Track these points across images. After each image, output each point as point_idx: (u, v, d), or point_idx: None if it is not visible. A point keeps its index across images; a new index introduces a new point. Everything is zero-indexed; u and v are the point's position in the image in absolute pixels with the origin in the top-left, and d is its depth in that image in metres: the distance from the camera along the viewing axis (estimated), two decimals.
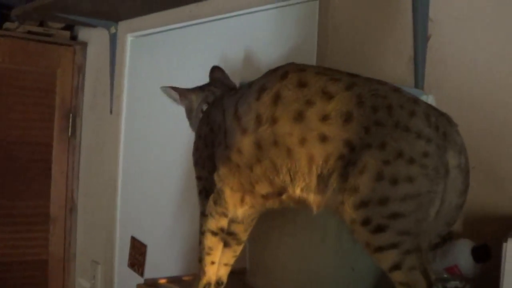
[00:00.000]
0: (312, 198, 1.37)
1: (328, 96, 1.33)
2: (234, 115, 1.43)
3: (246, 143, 1.39)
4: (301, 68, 1.40)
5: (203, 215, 1.50)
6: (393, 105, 1.31)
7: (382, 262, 1.28)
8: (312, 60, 2.16)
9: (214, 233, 1.49)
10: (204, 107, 1.70)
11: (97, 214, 3.57)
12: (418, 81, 1.83)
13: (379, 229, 1.26)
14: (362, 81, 1.37)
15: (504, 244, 1.29)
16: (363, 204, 1.27)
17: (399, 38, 1.93)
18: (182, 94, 1.77)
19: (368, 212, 1.26)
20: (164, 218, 2.96)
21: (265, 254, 1.60)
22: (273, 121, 1.36)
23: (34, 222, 3.65)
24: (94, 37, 3.68)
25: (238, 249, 1.58)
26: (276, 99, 1.36)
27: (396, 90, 1.36)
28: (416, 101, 1.34)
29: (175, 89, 1.77)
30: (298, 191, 1.38)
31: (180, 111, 2.90)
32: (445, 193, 1.31)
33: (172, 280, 1.73)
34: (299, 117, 1.33)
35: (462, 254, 1.52)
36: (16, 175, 3.57)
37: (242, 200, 1.47)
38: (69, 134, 3.74)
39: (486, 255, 1.53)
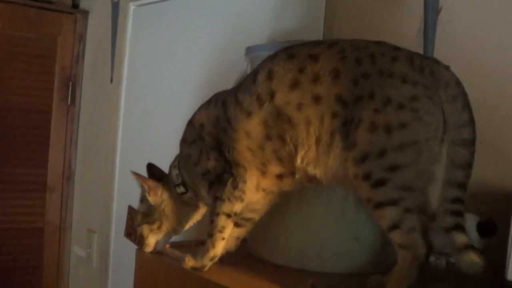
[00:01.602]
0: (318, 170, 1.39)
1: (314, 58, 1.37)
2: (235, 102, 1.47)
3: (253, 125, 1.42)
4: (288, 47, 1.45)
5: (219, 199, 1.50)
6: (375, 54, 1.33)
7: (382, 220, 1.29)
8: (319, 31, 2.14)
9: (228, 216, 1.50)
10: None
11: (95, 183, 3.55)
12: (428, 55, 1.81)
13: (379, 183, 1.27)
14: (343, 40, 1.41)
15: None
16: (363, 158, 1.28)
17: (409, 10, 1.91)
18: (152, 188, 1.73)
19: (368, 166, 1.28)
20: None
21: (268, 223, 1.59)
22: (271, 95, 1.39)
23: (31, 189, 3.64)
24: (96, 6, 3.65)
25: (251, 227, 1.61)
26: (270, 75, 1.41)
27: (378, 42, 1.38)
28: (397, 48, 1.36)
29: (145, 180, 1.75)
30: (299, 161, 1.39)
31: (180, 82, 2.89)
32: (450, 130, 1.30)
33: (173, 245, 1.72)
34: (294, 85, 1.37)
35: (467, 229, 1.51)
36: (14, 143, 3.55)
37: (257, 186, 1.50)
38: (69, 102, 3.72)
39: (491, 230, 1.52)
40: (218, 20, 2.70)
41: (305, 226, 1.58)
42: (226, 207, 1.49)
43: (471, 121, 1.33)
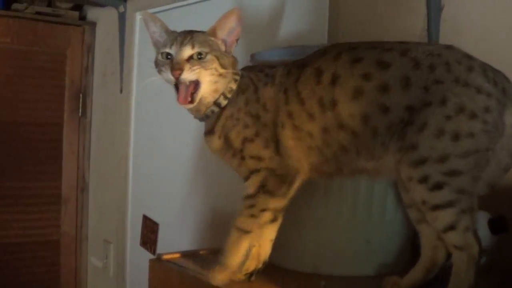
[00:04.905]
0: (371, 165, 1.39)
1: (384, 65, 1.34)
2: (297, 97, 1.42)
3: (315, 129, 1.40)
4: (352, 47, 1.42)
5: (270, 193, 1.44)
6: (450, 62, 1.32)
7: (437, 222, 1.30)
8: (324, 34, 2.14)
9: (275, 214, 1.46)
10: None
11: (109, 193, 3.57)
12: None
13: (437, 186, 1.27)
14: (414, 45, 1.38)
15: None
16: (421, 161, 1.28)
17: (412, 9, 1.91)
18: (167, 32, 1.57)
19: (426, 169, 1.28)
20: (175, 196, 2.96)
21: (280, 229, 1.58)
22: (334, 103, 1.37)
23: (45, 202, 3.66)
24: (103, 17, 3.67)
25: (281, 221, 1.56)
26: (334, 80, 1.37)
27: (449, 47, 1.37)
28: (470, 56, 1.35)
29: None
30: (362, 163, 1.39)
31: None
32: (497, 151, 1.32)
33: (186, 254, 1.72)
34: (358, 94, 1.35)
35: (478, 226, 1.50)
36: (27, 156, 3.57)
37: (302, 180, 1.47)
38: (80, 114, 3.73)
39: (502, 227, 1.51)
40: None
41: (315, 230, 1.58)
42: (278, 202, 1.45)
43: None
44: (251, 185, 1.46)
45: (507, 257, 1.35)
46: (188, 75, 1.44)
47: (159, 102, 3.11)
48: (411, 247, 1.62)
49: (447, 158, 1.27)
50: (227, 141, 1.49)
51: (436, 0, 1.82)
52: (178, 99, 1.46)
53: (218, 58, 1.46)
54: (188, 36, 1.48)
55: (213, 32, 1.50)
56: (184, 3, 2.94)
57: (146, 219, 3.17)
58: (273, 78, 1.48)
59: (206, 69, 1.44)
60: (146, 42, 3.22)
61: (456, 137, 1.27)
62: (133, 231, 3.31)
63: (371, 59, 1.36)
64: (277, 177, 1.44)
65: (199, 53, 1.45)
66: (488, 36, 1.72)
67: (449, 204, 1.27)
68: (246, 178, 1.47)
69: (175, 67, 1.45)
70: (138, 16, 3.28)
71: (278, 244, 1.60)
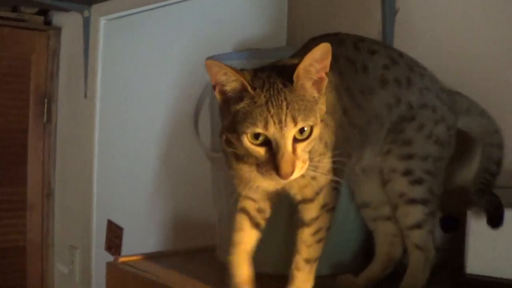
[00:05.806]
0: (371, 163, 1.43)
1: (394, 61, 1.42)
2: (348, 91, 1.31)
3: (363, 121, 1.34)
4: (361, 38, 1.44)
5: (334, 210, 1.29)
6: (432, 76, 1.47)
7: (408, 217, 1.36)
8: (283, 38, 2.16)
9: None
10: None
11: (74, 199, 3.55)
12: None
13: (418, 181, 1.36)
14: (400, 51, 1.48)
15: (469, 212, 1.32)
16: (410, 156, 1.37)
17: (367, 12, 1.93)
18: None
19: (412, 164, 1.36)
20: (140, 200, 2.95)
21: None
22: (371, 91, 1.38)
23: (11, 208, 3.63)
24: (68, 22, 3.65)
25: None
26: (365, 69, 1.39)
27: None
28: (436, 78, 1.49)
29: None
30: (369, 160, 1.42)
31: (154, 94, 2.90)
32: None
33: (145, 257, 1.71)
34: (384, 82, 1.39)
35: None
36: None
37: None
38: (45, 119, 3.71)
39: (454, 225, 1.54)
40: (187, 31, 2.71)
41: (274, 229, 1.57)
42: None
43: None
44: (314, 208, 1.27)
45: (457, 255, 1.38)
46: (298, 174, 1.11)
47: (123, 107, 3.13)
48: (365, 248, 1.64)
49: (428, 158, 1.36)
50: None
51: (391, 3, 1.85)
52: (278, 174, 1.08)
53: (320, 122, 1.13)
54: (282, 102, 1.07)
55: (301, 74, 1.09)
56: (150, 7, 2.94)
57: (110, 223, 3.16)
58: (331, 85, 1.27)
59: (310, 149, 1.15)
60: (110, 47, 3.24)
61: (437, 141, 1.39)
62: (98, 236, 3.30)
63: (383, 53, 1.42)
64: (334, 190, 1.28)
65: (302, 129, 1.09)
66: (442, 39, 1.75)
67: (423, 202, 1.35)
68: (308, 201, 1.27)
69: (286, 171, 1.08)
70: (103, 21, 3.28)
71: None
